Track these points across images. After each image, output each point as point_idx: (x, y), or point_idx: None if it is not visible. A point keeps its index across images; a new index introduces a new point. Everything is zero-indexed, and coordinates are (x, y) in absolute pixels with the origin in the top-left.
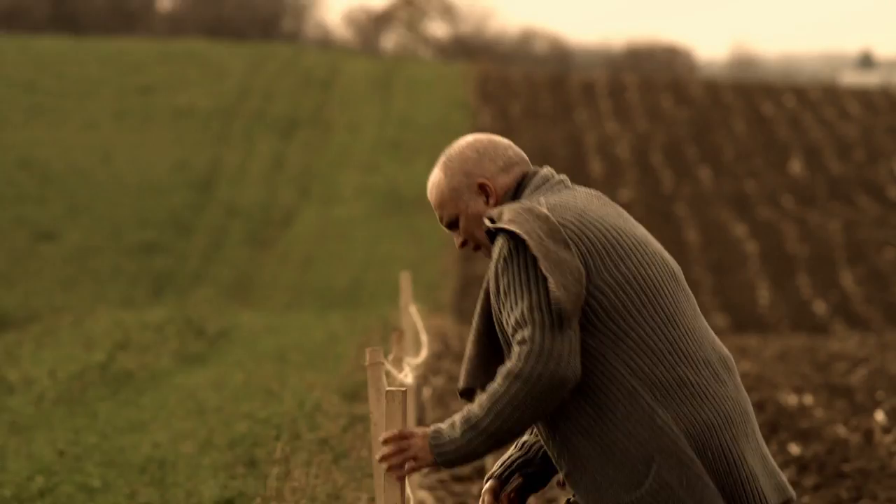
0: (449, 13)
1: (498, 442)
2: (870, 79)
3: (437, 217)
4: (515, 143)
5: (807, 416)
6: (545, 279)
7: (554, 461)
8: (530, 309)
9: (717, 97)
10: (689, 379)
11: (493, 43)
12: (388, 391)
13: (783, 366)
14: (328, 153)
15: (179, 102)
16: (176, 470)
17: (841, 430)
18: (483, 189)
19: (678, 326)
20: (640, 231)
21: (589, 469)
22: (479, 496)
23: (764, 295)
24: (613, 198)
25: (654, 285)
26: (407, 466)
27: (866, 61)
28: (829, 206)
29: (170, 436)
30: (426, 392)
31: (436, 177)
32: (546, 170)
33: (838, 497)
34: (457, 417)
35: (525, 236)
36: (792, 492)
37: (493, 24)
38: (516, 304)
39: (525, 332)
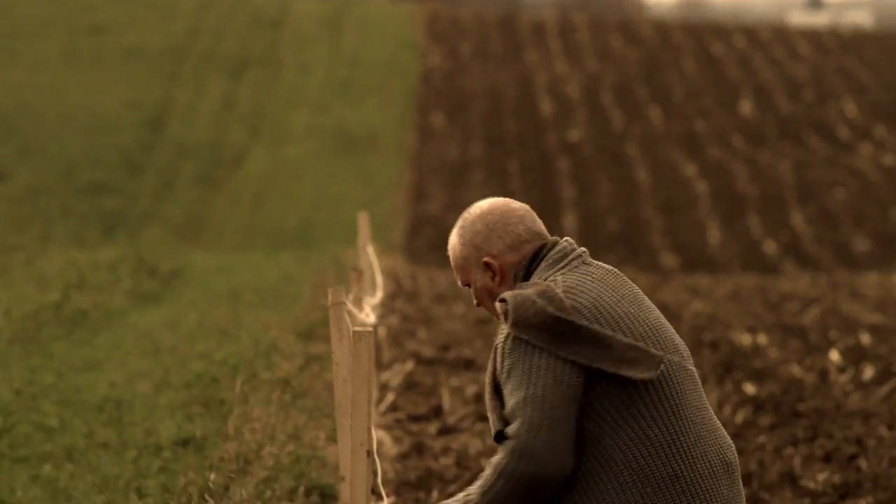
0: None
1: None
2: (818, 19)
3: (455, 276)
4: (465, 83)
5: (761, 356)
6: (545, 373)
7: None
8: (524, 401)
9: (667, 38)
10: (682, 474)
11: None
12: (355, 331)
13: (735, 305)
14: (278, 93)
15: (130, 42)
16: (133, 409)
17: (796, 370)
18: (489, 266)
19: (681, 419)
20: (654, 316)
21: None
22: (436, 435)
23: (714, 235)
24: (563, 138)
25: (663, 375)
26: None
27: (815, 2)
28: (780, 146)
29: (126, 375)
30: (381, 332)
31: (453, 240)
32: (564, 243)
33: (794, 436)
34: (461, 495)
35: (526, 337)
36: None
37: None
38: (514, 392)
39: (514, 426)
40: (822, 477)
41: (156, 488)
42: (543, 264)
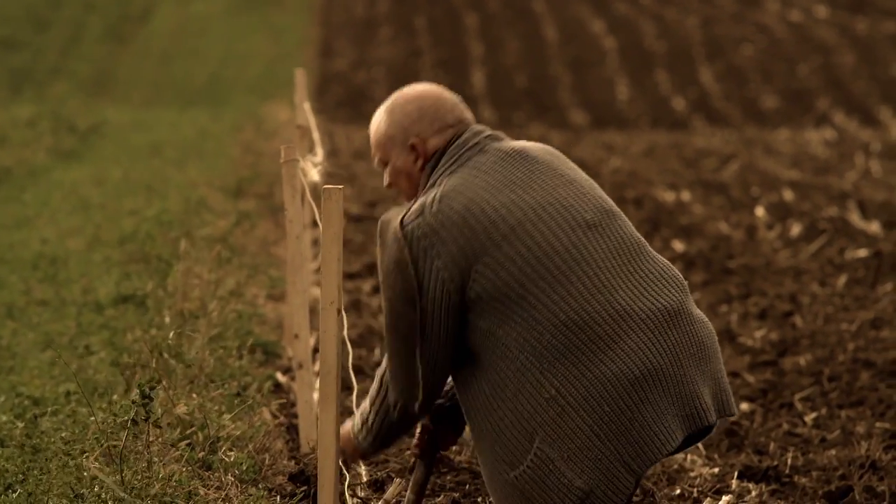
0: None
1: (390, 437)
2: None
3: (372, 153)
4: None
5: (686, 213)
6: (399, 297)
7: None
8: (385, 329)
9: None
10: (578, 341)
11: None
12: (325, 188)
13: (652, 162)
14: None
15: None
16: (68, 266)
17: (723, 227)
18: (413, 148)
19: (574, 283)
20: (541, 195)
21: (482, 446)
22: (371, 292)
23: (623, 91)
24: None
25: (544, 252)
26: (353, 461)
27: None
28: (686, 2)
29: (57, 232)
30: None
31: (378, 118)
32: (469, 132)
33: (728, 293)
34: (358, 412)
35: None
36: (730, 410)
37: None
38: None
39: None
40: (759, 334)
41: (101, 345)
42: (446, 157)
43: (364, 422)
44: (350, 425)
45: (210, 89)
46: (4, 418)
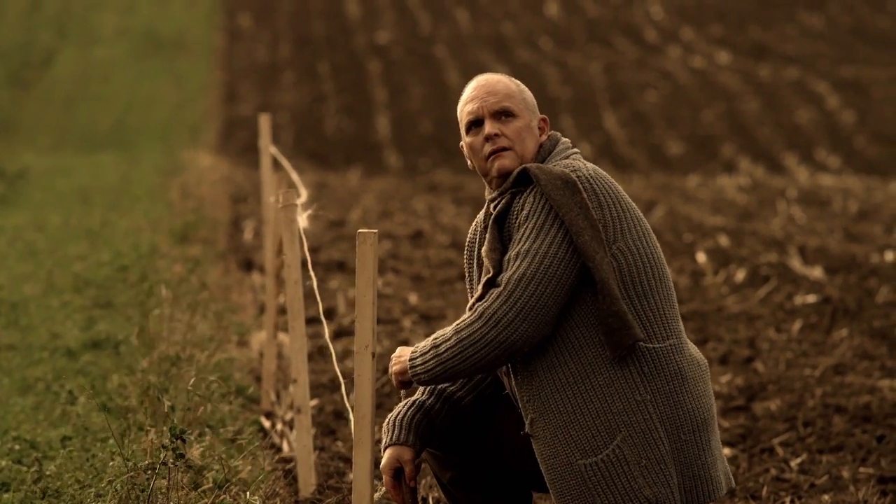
0: None
1: (453, 371)
2: None
3: (481, 103)
4: None
5: None
6: (558, 232)
7: (521, 406)
8: (526, 253)
9: None
10: (684, 371)
11: None
12: (359, 233)
13: None
14: None
15: None
16: (28, 312)
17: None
18: (545, 122)
19: (677, 313)
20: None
21: (553, 424)
22: (333, 337)
23: None
24: (371, 39)
25: (661, 263)
26: (393, 380)
27: None
28: (588, 48)
29: (9, 277)
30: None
31: (504, 78)
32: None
33: None
34: (430, 337)
35: (552, 198)
36: (732, 482)
37: None
38: (519, 242)
39: (505, 275)
40: (724, 379)
41: (79, 390)
42: (559, 148)
43: (436, 346)
44: (409, 349)
45: (115, 134)
46: (3, 463)
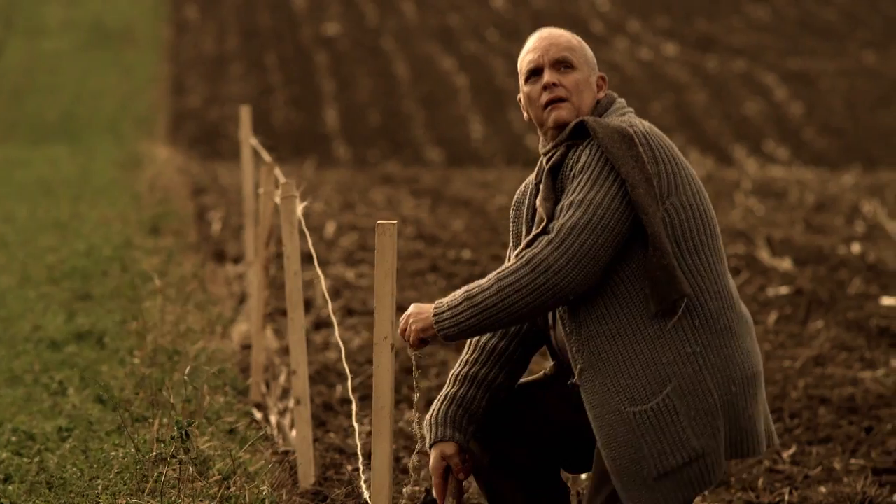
0: None
1: (492, 320)
2: None
3: (542, 53)
4: None
5: None
6: (613, 183)
7: (570, 355)
8: (580, 203)
9: None
10: (734, 326)
11: None
12: (378, 224)
13: None
14: None
15: None
16: (7, 304)
17: None
18: (603, 80)
19: (727, 270)
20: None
21: (603, 373)
22: (312, 329)
23: (477, 129)
24: (318, 31)
25: (713, 220)
26: (412, 338)
27: None
28: None
29: None
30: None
31: (568, 33)
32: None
33: None
34: (460, 289)
35: (609, 151)
36: (776, 440)
37: None
38: (575, 191)
39: (557, 223)
40: None
41: (68, 381)
42: (615, 105)
43: (470, 297)
44: (427, 306)
45: (64, 126)
46: (4, 455)
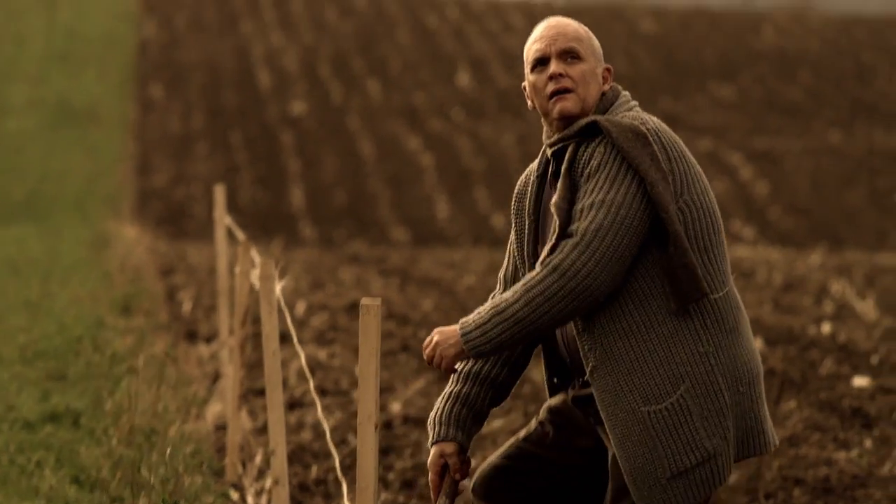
0: None
1: (524, 332)
2: None
3: (550, 42)
4: (181, 54)
5: None
6: (632, 182)
7: (581, 353)
8: (600, 204)
9: (381, 9)
10: (739, 325)
11: None
12: (363, 304)
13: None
14: None
15: None
16: None
17: None
18: (608, 72)
19: (729, 268)
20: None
21: (616, 371)
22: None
23: (443, 208)
24: (284, 110)
25: (720, 219)
26: (444, 364)
27: None
28: (500, 118)
29: None
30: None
31: (576, 23)
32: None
33: None
34: (486, 305)
35: (622, 149)
36: (776, 440)
37: None
38: (593, 192)
39: (580, 225)
40: None
41: (44, 462)
42: (620, 99)
43: (498, 312)
44: (449, 328)
45: (30, 205)
46: None
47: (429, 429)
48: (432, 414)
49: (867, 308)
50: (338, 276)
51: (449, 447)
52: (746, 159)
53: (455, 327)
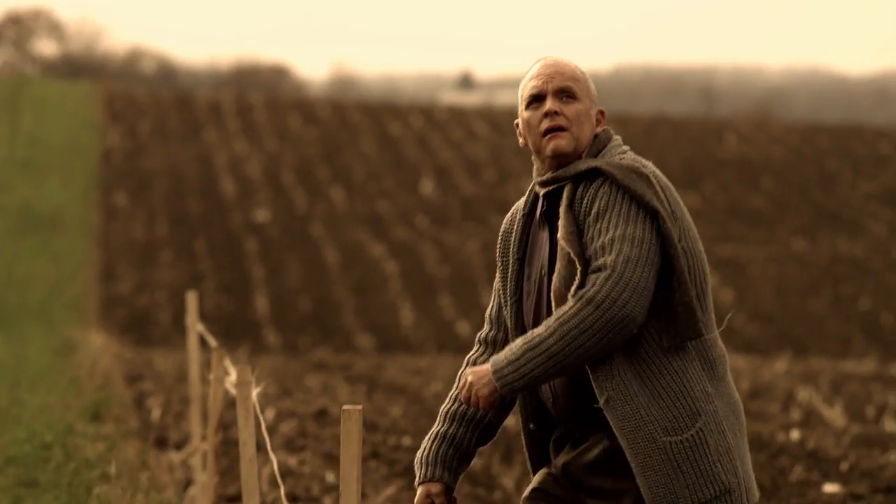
0: (58, 31)
1: (558, 366)
2: (470, 99)
3: (547, 80)
4: (145, 162)
5: None
6: (645, 219)
7: (594, 384)
8: (622, 238)
9: (345, 117)
10: (727, 376)
11: (102, 62)
12: (344, 410)
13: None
14: None
15: None
16: None
17: None
18: (602, 115)
19: (714, 320)
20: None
21: (634, 402)
22: None
23: (407, 315)
24: (248, 218)
25: (708, 271)
26: (482, 404)
27: (466, 81)
28: (464, 226)
29: None
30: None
31: (573, 63)
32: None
33: None
34: (516, 342)
35: (628, 189)
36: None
37: (103, 43)
38: (608, 229)
39: (608, 259)
40: None
41: None
42: (612, 143)
43: (531, 348)
44: (481, 368)
45: None
46: None
47: (416, 468)
48: (419, 453)
49: (835, 415)
50: (304, 384)
51: (435, 487)
52: (711, 267)
53: (487, 366)
